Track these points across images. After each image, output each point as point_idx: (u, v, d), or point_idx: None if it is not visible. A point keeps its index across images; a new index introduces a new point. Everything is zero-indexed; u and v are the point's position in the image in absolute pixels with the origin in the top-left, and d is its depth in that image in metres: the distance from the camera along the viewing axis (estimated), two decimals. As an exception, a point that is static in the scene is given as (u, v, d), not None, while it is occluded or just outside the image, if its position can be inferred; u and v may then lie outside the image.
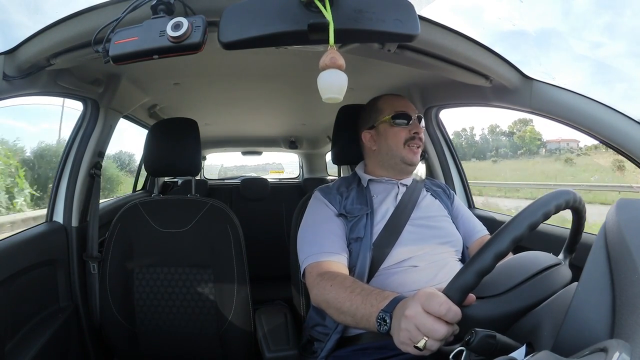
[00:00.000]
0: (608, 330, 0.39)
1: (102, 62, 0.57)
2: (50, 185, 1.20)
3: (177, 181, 2.64)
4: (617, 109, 0.78)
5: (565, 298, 0.49)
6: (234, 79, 1.35)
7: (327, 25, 0.50)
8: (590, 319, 0.41)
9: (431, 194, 1.02)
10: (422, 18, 0.61)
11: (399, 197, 0.96)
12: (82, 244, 1.19)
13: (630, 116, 0.77)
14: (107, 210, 1.46)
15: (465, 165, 1.47)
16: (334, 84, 0.51)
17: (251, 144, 2.90)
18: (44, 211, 1.17)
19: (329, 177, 2.83)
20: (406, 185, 1.00)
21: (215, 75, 1.29)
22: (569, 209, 0.55)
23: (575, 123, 0.83)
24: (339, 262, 0.84)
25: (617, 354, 0.31)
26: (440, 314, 0.49)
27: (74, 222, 1.17)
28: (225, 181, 3.04)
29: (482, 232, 0.99)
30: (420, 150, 0.98)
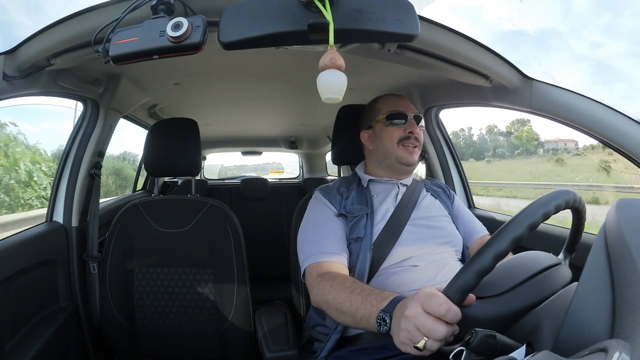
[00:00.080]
0: (608, 330, 0.39)
1: (102, 62, 0.57)
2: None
3: (177, 181, 2.64)
4: (617, 109, 0.78)
5: (565, 298, 0.49)
6: (234, 79, 1.35)
7: (327, 25, 0.50)
8: (590, 319, 0.41)
9: (431, 194, 1.02)
10: (422, 18, 0.61)
11: (399, 197, 0.96)
12: (82, 244, 1.19)
13: (630, 116, 0.77)
14: (107, 210, 1.46)
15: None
16: (333, 84, 0.51)
17: (251, 144, 2.90)
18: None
19: (329, 177, 2.82)
20: (406, 185, 1.00)
21: (215, 75, 1.29)
22: (568, 209, 0.55)
23: (575, 123, 0.83)
24: (339, 263, 0.84)
25: (617, 354, 0.31)
26: (440, 314, 0.49)
27: (74, 222, 1.17)
28: (225, 181, 3.04)
29: (482, 232, 1.00)
30: (417, 150, 0.98)
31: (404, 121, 0.97)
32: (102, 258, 1.13)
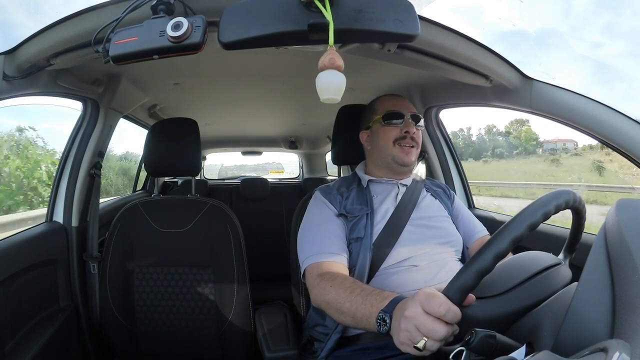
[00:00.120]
0: (608, 330, 0.39)
1: (102, 62, 0.57)
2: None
3: (177, 181, 2.64)
4: (617, 109, 0.78)
5: (565, 298, 0.49)
6: (234, 79, 1.35)
7: (327, 25, 0.50)
8: (590, 319, 0.41)
9: (431, 194, 1.02)
10: (422, 18, 0.61)
11: (399, 197, 0.96)
12: (82, 244, 1.19)
13: (630, 116, 0.76)
14: (107, 210, 1.46)
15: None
16: (332, 85, 0.51)
17: (251, 144, 2.90)
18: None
19: (329, 177, 2.82)
20: (406, 185, 1.00)
21: (215, 75, 1.29)
22: (568, 209, 0.55)
23: (575, 123, 0.83)
24: (339, 263, 0.84)
25: (617, 354, 0.31)
26: (440, 315, 0.49)
27: (74, 222, 1.17)
28: (225, 181, 3.04)
29: (482, 233, 0.99)
30: (414, 150, 0.97)
31: (400, 121, 0.97)
32: (102, 258, 1.13)
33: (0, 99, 0.77)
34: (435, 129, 1.41)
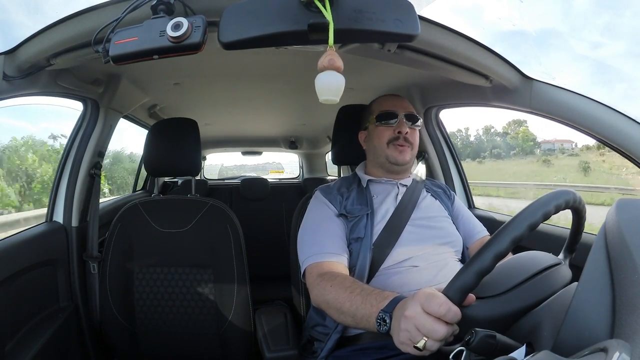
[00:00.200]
0: (608, 330, 0.39)
1: (102, 62, 0.57)
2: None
3: (177, 181, 2.64)
4: (617, 109, 0.78)
5: (565, 298, 0.49)
6: (234, 79, 1.35)
7: (327, 25, 0.50)
8: (590, 319, 0.41)
9: (431, 195, 1.02)
10: (422, 18, 0.61)
11: (399, 197, 0.96)
12: (82, 244, 1.19)
13: (630, 116, 0.76)
14: (107, 210, 1.46)
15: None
16: (331, 86, 0.51)
17: (251, 144, 2.90)
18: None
19: (329, 177, 2.82)
20: (406, 185, 1.00)
21: (215, 75, 1.29)
22: (568, 209, 0.55)
23: (575, 123, 0.83)
24: (339, 263, 0.84)
25: (617, 354, 0.31)
26: (440, 315, 0.49)
27: (74, 222, 1.17)
28: (225, 181, 3.04)
29: (482, 233, 0.99)
30: (408, 150, 0.97)
31: (394, 121, 0.97)
32: (102, 258, 1.13)
33: (0, 99, 0.77)
34: (435, 129, 1.41)
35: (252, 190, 2.30)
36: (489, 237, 0.60)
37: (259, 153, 3.11)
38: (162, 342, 1.10)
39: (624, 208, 0.45)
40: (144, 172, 2.26)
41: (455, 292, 0.50)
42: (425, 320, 0.50)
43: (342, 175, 1.18)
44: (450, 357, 0.47)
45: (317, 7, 0.50)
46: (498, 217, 1.26)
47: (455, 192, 1.25)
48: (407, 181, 1.01)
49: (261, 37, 0.52)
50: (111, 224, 1.13)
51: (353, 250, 0.88)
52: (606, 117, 0.79)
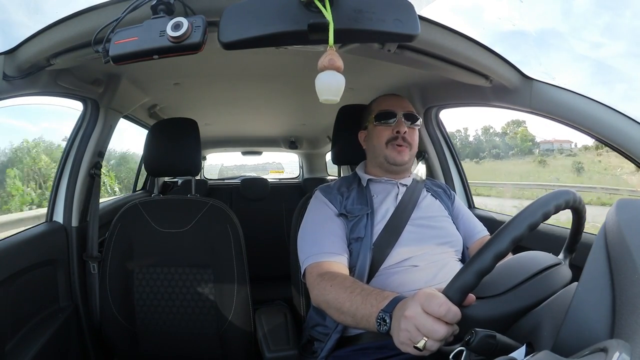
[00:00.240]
0: (608, 330, 0.39)
1: (102, 62, 0.57)
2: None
3: (177, 181, 2.64)
4: (617, 109, 0.78)
5: (565, 298, 0.49)
6: (234, 79, 1.35)
7: (327, 25, 0.50)
8: (590, 319, 0.41)
9: (431, 194, 1.02)
10: (422, 18, 0.61)
11: (399, 197, 0.96)
12: (82, 244, 1.19)
13: (630, 116, 0.76)
14: (107, 210, 1.46)
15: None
16: (331, 86, 0.51)
17: (251, 144, 2.90)
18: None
19: (329, 177, 2.82)
20: (406, 185, 1.00)
21: (215, 75, 1.29)
22: (568, 209, 0.55)
23: (575, 123, 0.83)
24: (339, 263, 0.84)
25: (617, 354, 0.31)
26: (440, 315, 0.49)
27: (74, 222, 1.17)
28: (225, 181, 3.04)
29: (482, 233, 0.99)
30: (406, 150, 0.97)
31: (392, 120, 0.97)
32: (102, 258, 1.13)
33: (0, 99, 0.77)
34: (435, 129, 1.41)
35: (252, 190, 2.30)
36: (489, 237, 0.60)
37: (259, 153, 3.11)
38: (162, 342, 1.10)
39: (624, 208, 0.45)
40: (144, 172, 2.26)
41: (455, 292, 0.50)
42: (425, 320, 0.50)
43: (342, 175, 1.18)
44: (450, 357, 0.47)
45: (317, 7, 0.50)
46: (498, 217, 1.26)
47: (455, 192, 1.25)
48: (407, 181, 1.01)
49: (261, 37, 0.52)
50: (111, 224, 1.13)
51: (353, 250, 0.88)
52: (606, 117, 0.78)
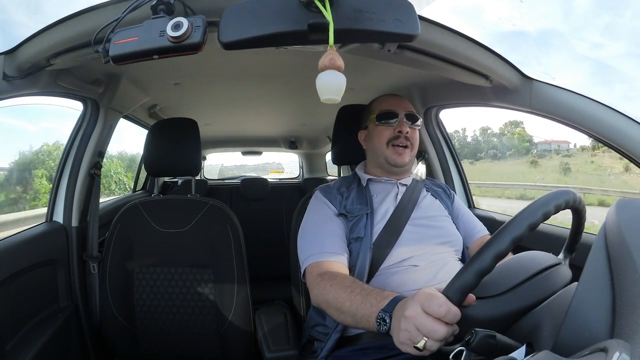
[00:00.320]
0: (608, 330, 0.39)
1: (102, 62, 0.57)
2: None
3: (177, 181, 2.64)
4: (617, 109, 0.78)
5: (565, 298, 0.49)
6: (234, 79, 1.35)
7: (327, 25, 0.50)
8: (590, 319, 0.41)
9: (431, 194, 1.02)
10: (422, 18, 0.61)
11: (399, 197, 0.96)
12: (82, 244, 1.19)
13: (630, 116, 0.76)
14: (107, 210, 1.46)
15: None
16: (332, 85, 0.51)
17: (251, 144, 2.90)
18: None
19: (329, 177, 2.82)
20: (406, 185, 1.00)
21: (215, 75, 1.29)
22: (568, 209, 0.55)
23: (575, 123, 0.83)
24: (339, 262, 0.84)
25: (617, 354, 0.31)
26: (440, 315, 0.49)
27: (74, 222, 1.17)
28: (225, 181, 3.04)
29: (482, 232, 0.99)
30: (407, 151, 0.97)
31: (394, 120, 0.97)
32: (102, 258, 1.13)
33: (0, 99, 0.77)
34: (435, 129, 1.41)
35: (252, 190, 2.30)
36: (489, 237, 0.60)
37: (259, 153, 3.11)
38: (162, 342, 1.10)
39: (624, 208, 0.45)
40: (144, 172, 2.26)
41: (455, 292, 0.50)
42: (425, 320, 0.50)
43: (342, 175, 1.18)
44: (450, 357, 0.47)
45: (317, 7, 0.50)
46: (498, 217, 1.26)
47: (455, 191, 1.25)
48: (407, 181, 1.01)
49: (261, 37, 0.52)
50: (111, 224, 1.13)
51: (353, 249, 0.88)
52: (606, 117, 0.78)
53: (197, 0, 0.59)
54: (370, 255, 0.86)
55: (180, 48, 0.53)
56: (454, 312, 0.49)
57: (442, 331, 0.49)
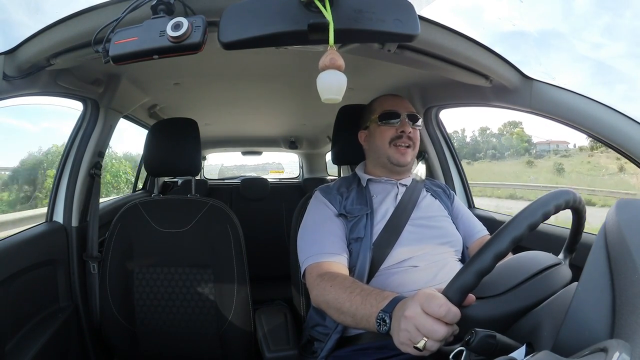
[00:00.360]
0: (608, 330, 0.39)
1: (102, 62, 0.57)
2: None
3: (177, 181, 2.64)
4: (617, 109, 0.78)
5: (565, 298, 0.49)
6: (234, 79, 1.35)
7: (327, 25, 0.50)
8: (590, 319, 0.41)
9: (431, 194, 1.02)
10: (422, 18, 0.61)
11: (399, 197, 0.96)
12: (82, 244, 1.19)
13: (630, 116, 0.76)
14: (107, 210, 1.46)
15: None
16: (333, 85, 0.51)
17: (251, 144, 2.90)
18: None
19: (329, 177, 2.82)
20: (406, 185, 1.00)
21: (215, 75, 1.29)
22: (568, 209, 0.55)
23: (575, 123, 0.83)
24: (339, 263, 0.84)
25: (617, 354, 0.31)
26: (440, 316, 0.49)
27: (74, 222, 1.17)
28: (225, 181, 3.04)
29: (482, 232, 0.99)
30: (409, 151, 0.97)
31: (396, 120, 0.97)
32: (102, 258, 1.13)
33: (0, 99, 0.77)
34: (435, 129, 1.41)
35: (252, 190, 2.30)
36: (489, 237, 0.60)
37: (259, 153, 3.11)
38: (162, 342, 1.10)
39: (624, 208, 0.45)
40: (144, 172, 2.26)
41: (455, 292, 0.50)
42: (425, 320, 0.50)
43: (342, 175, 1.18)
44: (450, 357, 0.47)
45: (317, 7, 0.50)
46: (498, 217, 1.26)
47: (455, 192, 1.25)
48: (407, 181, 1.01)
49: (261, 37, 0.52)
50: (111, 224, 1.13)
51: (353, 250, 0.88)
52: (606, 117, 0.78)
53: (197, 0, 0.59)
54: (370, 256, 0.86)
55: (180, 48, 0.53)
56: (454, 312, 0.49)
57: (442, 331, 0.49)
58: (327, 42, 0.51)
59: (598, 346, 0.35)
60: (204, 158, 3.11)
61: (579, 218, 0.59)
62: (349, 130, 1.11)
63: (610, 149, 0.80)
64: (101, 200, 1.30)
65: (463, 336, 0.46)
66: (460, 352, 0.46)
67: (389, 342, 0.58)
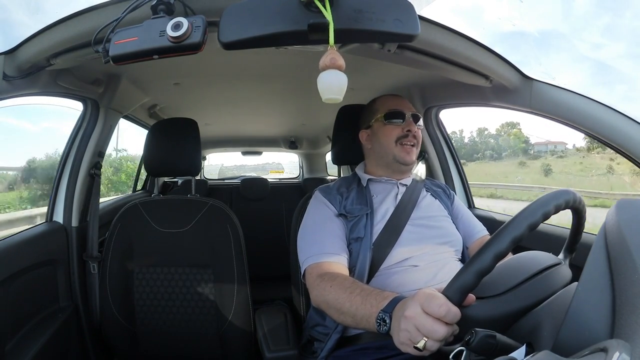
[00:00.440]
0: (608, 330, 0.39)
1: (102, 62, 0.57)
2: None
3: (177, 181, 2.64)
4: (617, 109, 0.78)
5: (565, 298, 0.49)
6: (234, 79, 1.35)
7: (327, 25, 0.50)
8: (590, 319, 0.41)
9: (431, 194, 1.02)
10: (422, 18, 0.61)
11: (399, 197, 0.96)
12: (82, 244, 1.19)
13: (630, 116, 0.76)
14: (107, 210, 1.46)
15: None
16: (333, 85, 0.51)
17: (251, 144, 2.90)
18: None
19: (329, 177, 2.82)
20: (406, 185, 1.00)
21: (215, 75, 1.29)
22: (568, 209, 0.55)
23: (575, 123, 0.83)
24: (339, 263, 0.84)
25: (617, 354, 0.31)
26: (440, 315, 0.49)
27: (74, 222, 1.17)
28: (225, 181, 3.04)
29: (482, 232, 1.00)
30: (414, 150, 0.98)
31: (401, 120, 0.97)
32: (102, 258, 1.13)
33: (0, 99, 0.77)
34: (435, 129, 1.41)
35: (252, 190, 2.30)
36: (488, 237, 0.60)
37: (259, 153, 3.11)
38: (162, 342, 1.10)
39: (624, 208, 0.45)
40: (144, 172, 2.26)
41: (455, 292, 0.50)
42: (425, 320, 0.50)
43: (342, 175, 1.18)
44: (450, 357, 0.47)
45: (317, 7, 0.50)
46: (498, 217, 1.26)
47: (455, 192, 1.25)
48: (407, 181, 1.01)
49: (261, 37, 0.52)
50: (111, 224, 1.13)
51: (353, 250, 0.88)
52: (606, 117, 0.78)
53: (197, 0, 0.59)
54: (370, 256, 0.86)
55: (180, 48, 0.53)
56: (454, 312, 0.49)
57: (442, 331, 0.49)
58: (327, 42, 0.51)
59: (598, 346, 0.35)
60: (204, 158, 3.11)
61: (579, 218, 0.59)
62: (349, 130, 1.11)
63: (607, 150, 0.80)
64: (108, 198, 1.29)
65: (463, 336, 0.46)
66: (460, 352, 0.46)
67: (389, 342, 0.58)
